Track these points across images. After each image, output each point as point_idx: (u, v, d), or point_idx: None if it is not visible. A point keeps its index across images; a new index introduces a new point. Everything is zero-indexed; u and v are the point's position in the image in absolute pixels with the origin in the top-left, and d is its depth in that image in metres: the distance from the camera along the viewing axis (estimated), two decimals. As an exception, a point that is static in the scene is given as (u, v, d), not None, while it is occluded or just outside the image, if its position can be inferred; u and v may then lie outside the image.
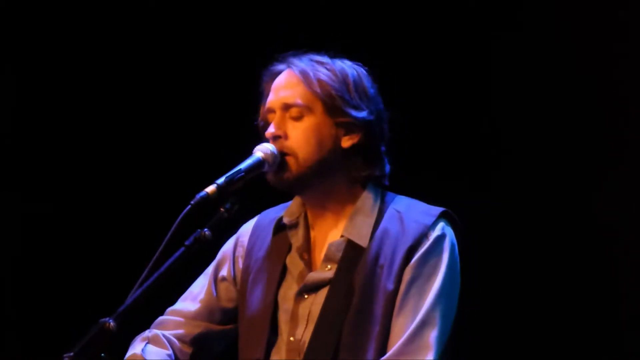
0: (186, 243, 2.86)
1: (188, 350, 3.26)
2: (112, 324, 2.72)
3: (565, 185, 4.28)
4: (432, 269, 3.03)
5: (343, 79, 3.12)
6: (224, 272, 3.28)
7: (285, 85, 3.14)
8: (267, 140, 3.12)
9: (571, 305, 4.22)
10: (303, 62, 3.15)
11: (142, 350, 3.20)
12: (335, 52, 3.22)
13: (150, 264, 2.81)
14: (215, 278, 3.29)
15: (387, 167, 3.19)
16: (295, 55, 3.20)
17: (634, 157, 4.21)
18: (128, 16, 4.83)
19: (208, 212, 2.94)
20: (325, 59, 3.17)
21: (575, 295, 4.21)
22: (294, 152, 3.07)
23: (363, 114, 3.10)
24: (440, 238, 3.05)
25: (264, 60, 3.30)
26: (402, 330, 2.98)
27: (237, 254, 3.27)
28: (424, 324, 2.97)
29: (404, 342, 2.96)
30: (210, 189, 2.92)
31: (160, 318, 3.30)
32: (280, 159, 3.09)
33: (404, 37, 4.51)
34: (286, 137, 3.08)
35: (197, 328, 3.27)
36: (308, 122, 3.09)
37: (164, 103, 4.81)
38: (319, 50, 3.23)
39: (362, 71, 3.19)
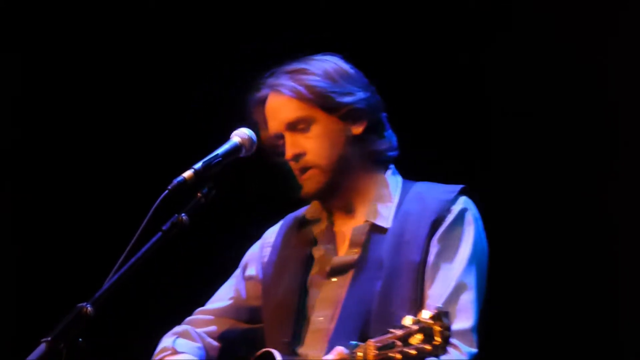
0: (163, 228, 2.89)
1: (217, 345, 3.34)
2: (89, 308, 2.74)
3: (561, 185, 4.25)
4: (458, 240, 3.10)
5: (325, 74, 3.18)
6: (250, 271, 3.36)
7: (279, 107, 3.20)
8: (286, 163, 3.20)
9: (569, 303, 4.21)
10: (282, 80, 3.20)
11: (173, 342, 3.29)
12: (299, 52, 3.27)
13: (128, 249, 2.83)
14: (243, 278, 3.37)
15: (394, 136, 3.28)
16: (271, 75, 3.25)
17: (632, 156, 4.17)
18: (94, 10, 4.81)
19: (185, 197, 2.96)
20: (298, 65, 3.22)
21: (574, 295, 4.20)
22: (316, 163, 3.15)
23: (359, 95, 3.17)
24: (463, 211, 3.13)
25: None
26: (438, 296, 3.03)
27: (263, 253, 3.35)
28: (459, 289, 3.04)
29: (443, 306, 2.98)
30: (188, 174, 2.95)
31: (189, 317, 3.38)
32: (306, 174, 3.17)
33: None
34: (304, 152, 3.16)
35: (225, 325, 3.35)
36: (316, 129, 3.16)
37: (139, 89, 4.80)
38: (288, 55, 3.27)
39: (334, 58, 3.25)
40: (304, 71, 3.20)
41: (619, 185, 4.18)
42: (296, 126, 3.17)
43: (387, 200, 3.20)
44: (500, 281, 4.13)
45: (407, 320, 2.70)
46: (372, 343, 2.75)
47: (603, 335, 4.15)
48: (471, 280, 3.07)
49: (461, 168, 4.28)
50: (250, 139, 3.10)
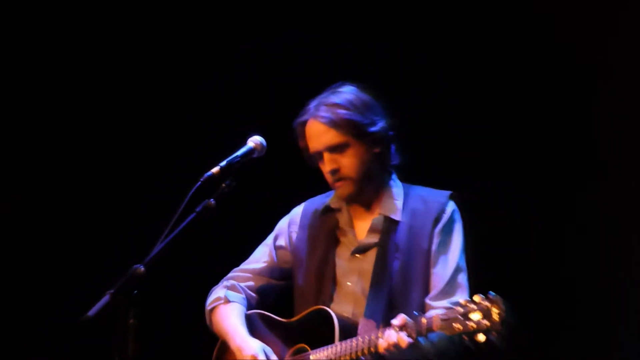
0: (197, 209, 3.48)
1: (255, 296, 4.10)
2: (142, 269, 3.24)
3: (559, 184, 4.54)
4: (452, 234, 3.94)
5: (355, 108, 3.89)
6: (281, 242, 4.12)
7: (321, 133, 3.89)
8: (318, 169, 3.88)
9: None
10: (322, 111, 3.86)
11: (225, 293, 4.03)
12: (332, 84, 3.85)
13: (171, 224, 3.38)
14: (274, 246, 4.12)
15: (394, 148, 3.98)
16: (312, 104, 3.89)
17: (632, 155, 4.38)
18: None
19: (213, 187, 3.50)
20: (334, 99, 3.89)
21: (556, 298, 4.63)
22: (349, 176, 3.92)
23: (380, 124, 3.92)
24: (454, 212, 3.97)
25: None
26: (441, 276, 3.87)
27: (291, 229, 4.12)
28: (456, 271, 3.88)
29: (446, 283, 3.87)
30: (215, 169, 3.59)
31: (231, 274, 4.08)
32: (340, 182, 3.87)
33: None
34: (339, 168, 3.90)
35: (261, 281, 4.12)
36: (350, 152, 3.91)
37: (175, 94, 5.10)
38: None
39: (353, 89, 3.93)
40: (338, 106, 3.86)
41: (618, 184, 4.45)
42: (334, 149, 3.88)
43: (395, 199, 3.97)
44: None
45: (463, 301, 3.33)
46: (436, 314, 3.38)
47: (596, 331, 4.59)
48: (464, 264, 3.91)
49: (460, 169, 4.74)
50: (261, 144, 3.74)
